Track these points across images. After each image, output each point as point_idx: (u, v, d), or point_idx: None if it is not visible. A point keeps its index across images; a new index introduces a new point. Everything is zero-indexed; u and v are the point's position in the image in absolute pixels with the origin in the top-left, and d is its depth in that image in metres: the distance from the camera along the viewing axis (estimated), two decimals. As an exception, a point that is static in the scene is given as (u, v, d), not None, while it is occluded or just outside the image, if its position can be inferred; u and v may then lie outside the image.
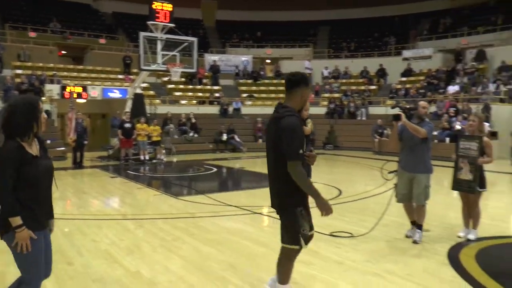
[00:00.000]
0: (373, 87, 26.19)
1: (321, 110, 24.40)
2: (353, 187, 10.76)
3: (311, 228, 3.67)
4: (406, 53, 27.72)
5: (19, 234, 2.96)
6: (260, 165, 16.28)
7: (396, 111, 5.74)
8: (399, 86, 24.76)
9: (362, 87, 26.01)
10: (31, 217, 3.02)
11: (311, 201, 3.56)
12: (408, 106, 18.95)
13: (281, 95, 25.35)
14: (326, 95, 26.24)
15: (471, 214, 6.12)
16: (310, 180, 3.55)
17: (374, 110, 23.27)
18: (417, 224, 6.07)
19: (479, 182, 5.90)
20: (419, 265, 5.08)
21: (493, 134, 16.00)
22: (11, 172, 2.94)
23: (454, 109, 18.72)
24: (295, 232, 3.56)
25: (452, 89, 21.70)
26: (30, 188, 3.03)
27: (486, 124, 14.32)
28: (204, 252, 5.54)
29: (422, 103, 6.30)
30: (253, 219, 7.48)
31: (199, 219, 7.41)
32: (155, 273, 4.78)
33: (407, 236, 6.15)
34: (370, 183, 10.99)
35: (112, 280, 4.55)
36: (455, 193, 6.46)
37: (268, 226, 7.30)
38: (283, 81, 24.47)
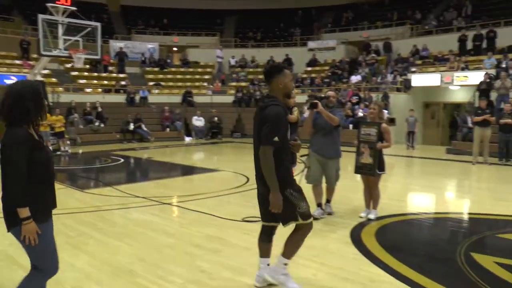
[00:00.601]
0: (280, 76, 26.73)
1: (228, 99, 24.56)
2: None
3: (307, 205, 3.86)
4: (311, 44, 28.60)
5: (26, 226, 2.84)
6: (168, 155, 16.07)
7: (313, 100, 6.20)
8: (305, 76, 25.60)
9: (269, 76, 26.47)
10: (38, 209, 2.89)
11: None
12: (322, 95, 19.66)
13: (188, 84, 25.16)
14: (233, 83, 26.43)
15: (371, 195, 6.55)
16: (274, 172, 3.64)
17: (281, 98, 23.79)
18: (327, 200, 6.76)
19: (379, 165, 6.32)
20: (324, 246, 5.31)
21: (391, 121, 17.05)
22: (23, 161, 2.77)
23: (357, 97, 19.76)
24: (291, 211, 3.71)
25: (355, 78, 22.83)
26: (37, 177, 2.88)
27: (385, 111, 15.29)
28: (111, 246, 5.37)
29: (330, 93, 6.80)
30: (161, 210, 7.36)
31: (106, 212, 7.16)
32: (59, 271, 4.48)
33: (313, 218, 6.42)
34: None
35: (13, 283, 4.17)
36: (358, 177, 6.83)
37: (176, 216, 7.23)
38: (190, 70, 24.34)
